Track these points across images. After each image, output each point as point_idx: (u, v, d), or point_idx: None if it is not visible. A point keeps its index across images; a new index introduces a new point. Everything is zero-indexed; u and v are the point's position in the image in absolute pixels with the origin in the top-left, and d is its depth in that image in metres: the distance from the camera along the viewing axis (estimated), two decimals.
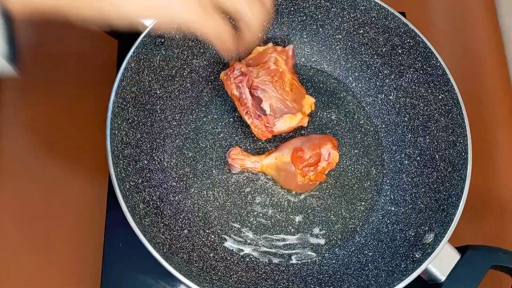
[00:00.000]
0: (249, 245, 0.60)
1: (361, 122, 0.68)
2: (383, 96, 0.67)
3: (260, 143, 0.65)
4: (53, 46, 0.71)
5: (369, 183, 0.64)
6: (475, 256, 0.54)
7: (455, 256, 0.54)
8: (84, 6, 0.34)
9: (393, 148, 0.65)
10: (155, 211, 0.56)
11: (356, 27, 0.66)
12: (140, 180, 0.57)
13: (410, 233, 0.58)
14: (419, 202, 0.60)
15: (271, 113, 0.61)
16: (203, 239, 0.59)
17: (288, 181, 0.61)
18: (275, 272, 0.58)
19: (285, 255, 0.60)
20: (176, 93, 0.64)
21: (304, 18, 0.67)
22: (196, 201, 0.61)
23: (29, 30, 0.71)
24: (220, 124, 0.65)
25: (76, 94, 0.68)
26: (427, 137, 0.62)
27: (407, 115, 0.65)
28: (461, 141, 0.58)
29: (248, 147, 0.64)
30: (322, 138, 0.62)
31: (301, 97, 0.64)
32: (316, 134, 0.64)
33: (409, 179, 0.63)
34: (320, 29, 0.68)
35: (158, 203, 0.58)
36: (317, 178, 0.61)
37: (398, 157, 0.65)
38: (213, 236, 0.59)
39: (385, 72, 0.66)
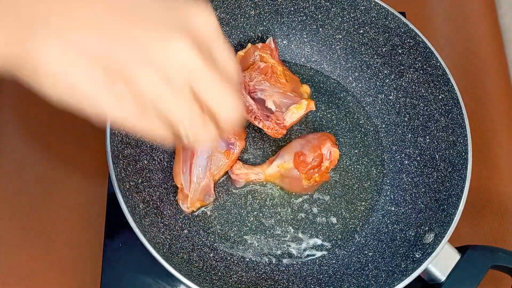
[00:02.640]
0: (249, 244, 0.60)
1: (361, 122, 0.68)
2: (383, 96, 0.67)
3: (259, 149, 0.65)
4: None
5: (369, 183, 0.64)
6: (475, 256, 0.54)
7: (455, 256, 0.54)
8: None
9: (393, 148, 0.65)
10: (155, 211, 0.56)
11: (356, 27, 0.66)
12: (140, 180, 0.57)
13: (410, 233, 0.58)
14: (419, 202, 0.60)
15: (277, 109, 0.61)
16: (203, 239, 0.59)
17: (293, 186, 0.61)
18: (275, 272, 0.58)
19: (285, 255, 0.60)
20: None
21: (304, 18, 0.67)
22: None
23: None
24: None
25: None
26: (427, 137, 0.62)
27: (407, 115, 0.65)
28: (461, 141, 0.58)
29: (248, 148, 0.64)
30: (320, 137, 0.61)
31: (297, 85, 0.65)
32: (312, 133, 0.64)
33: (409, 179, 0.63)
34: (320, 29, 0.68)
35: (158, 203, 0.58)
36: (322, 178, 0.61)
37: (398, 157, 0.65)
38: (213, 236, 0.59)
39: (385, 72, 0.66)
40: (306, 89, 0.66)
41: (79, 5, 0.28)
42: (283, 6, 0.66)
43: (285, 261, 0.59)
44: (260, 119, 0.60)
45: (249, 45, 0.64)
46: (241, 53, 0.64)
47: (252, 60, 0.63)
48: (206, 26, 0.31)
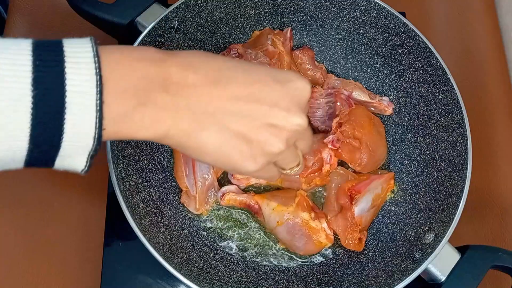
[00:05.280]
0: (249, 244, 0.60)
1: None
2: (383, 96, 0.67)
3: None
4: None
5: None
6: (475, 256, 0.54)
7: (455, 256, 0.54)
8: (172, 144, 0.41)
9: (393, 148, 0.65)
10: (155, 211, 0.56)
11: (356, 27, 0.66)
12: (140, 180, 0.57)
13: (410, 233, 0.58)
14: (419, 202, 0.60)
15: None
16: (203, 239, 0.59)
17: (293, 187, 0.61)
18: (275, 272, 0.58)
19: (285, 255, 0.60)
20: None
21: (304, 18, 0.67)
22: None
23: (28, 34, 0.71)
24: None
25: None
26: (427, 137, 0.62)
27: (407, 115, 0.65)
28: (461, 141, 0.58)
29: None
30: (319, 140, 0.61)
31: None
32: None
33: (409, 179, 0.63)
34: (320, 29, 0.68)
35: (158, 203, 0.58)
36: (323, 181, 0.61)
37: (398, 157, 0.65)
38: (213, 236, 0.59)
39: (385, 72, 0.66)
40: None
41: (226, 103, 0.40)
42: (283, 6, 0.66)
43: (285, 261, 0.59)
44: None
45: (267, 27, 0.65)
46: (257, 32, 0.65)
47: (263, 41, 0.63)
48: (306, 96, 0.43)
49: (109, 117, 0.36)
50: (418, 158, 0.63)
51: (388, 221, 0.61)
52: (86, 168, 0.38)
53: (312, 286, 0.57)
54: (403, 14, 0.72)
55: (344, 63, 0.69)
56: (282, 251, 0.59)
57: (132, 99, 0.37)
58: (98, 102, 0.34)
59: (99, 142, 0.36)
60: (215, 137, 0.40)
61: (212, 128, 0.40)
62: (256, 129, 0.41)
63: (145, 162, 0.59)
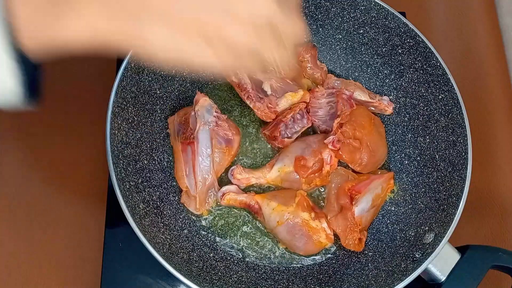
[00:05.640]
0: (249, 244, 0.60)
1: None
2: (383, 96, 0.67)
3: (257, 145, 0.64)
4: None
5: None
6: (475, 256, 0.54)
7: (455, 256, 0.54)
8: (114, 42, 0.37)
9: (393, 148, 0.65)
10: (155, 211, 0.56)
11: (356, 27, 0.66)
12: (140, 180, 0.57)
13: (410, 233, 0.58)
14: (419, 202, 0.60)
15: (272, 93, 0.60)
16: (203, 239, 0.59)
17: (294, 187, 0.61)
18: (275, 272, 0.58)
19: (285, 256, 0.60)
20: (176, 93, 0.64)
21: (304, 18, 0.67)
22: None
23: None
24: None
25: (75, 94, 0.68)
26: (427, 137, 0.62)
27: (407, 115, 0.65)
28: (461, 141, 0.58)
29: (248, 148, 0.64)
30: (320, 141, 0.61)
31: (299, 76, 0.64)
32: (311, 136, 0.64)
33: (409, 179, 0.63)
34: (320, 29, 0.68)
35: (158, 203, 0.58)
36: (323, 182, 0.61)
37: (398, 157, 0.65)
38: (213, 236, 0.59)
39: (385, 72, 0.66)
40: (307, 82, 0.66)
41: None
42: None
43: (285, 261, 0.59)
44: (252, 99, 0.60)
45: None
46: None
47: None
48: None
49: (21, 21, 0.32)
50: (418, 158, 0.63)
51: (388, 221, 0.61)
52: (22, 94, 0.34)
53: (312, 286, 0.57)
54: (403, 14, 0.72)
55: (344, 63, 0.69)
56: (283, 251, 0.59)
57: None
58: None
59: (22, 56, 0.32)
60: (163, 32, 0.36)
61: (157, 24, 0.35)
62: (210, 15, 0.36)
63: (145, 162, 0.59)
